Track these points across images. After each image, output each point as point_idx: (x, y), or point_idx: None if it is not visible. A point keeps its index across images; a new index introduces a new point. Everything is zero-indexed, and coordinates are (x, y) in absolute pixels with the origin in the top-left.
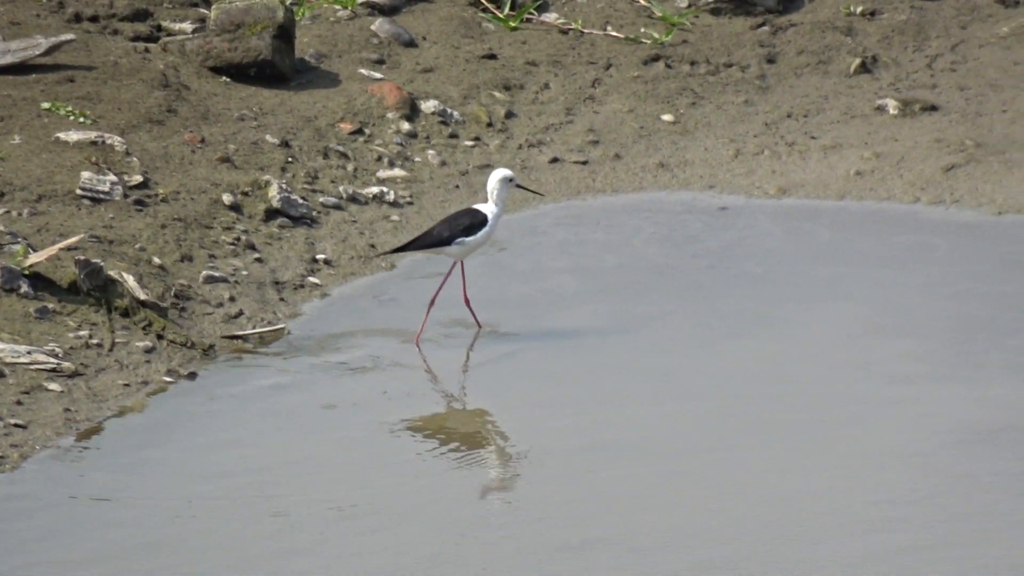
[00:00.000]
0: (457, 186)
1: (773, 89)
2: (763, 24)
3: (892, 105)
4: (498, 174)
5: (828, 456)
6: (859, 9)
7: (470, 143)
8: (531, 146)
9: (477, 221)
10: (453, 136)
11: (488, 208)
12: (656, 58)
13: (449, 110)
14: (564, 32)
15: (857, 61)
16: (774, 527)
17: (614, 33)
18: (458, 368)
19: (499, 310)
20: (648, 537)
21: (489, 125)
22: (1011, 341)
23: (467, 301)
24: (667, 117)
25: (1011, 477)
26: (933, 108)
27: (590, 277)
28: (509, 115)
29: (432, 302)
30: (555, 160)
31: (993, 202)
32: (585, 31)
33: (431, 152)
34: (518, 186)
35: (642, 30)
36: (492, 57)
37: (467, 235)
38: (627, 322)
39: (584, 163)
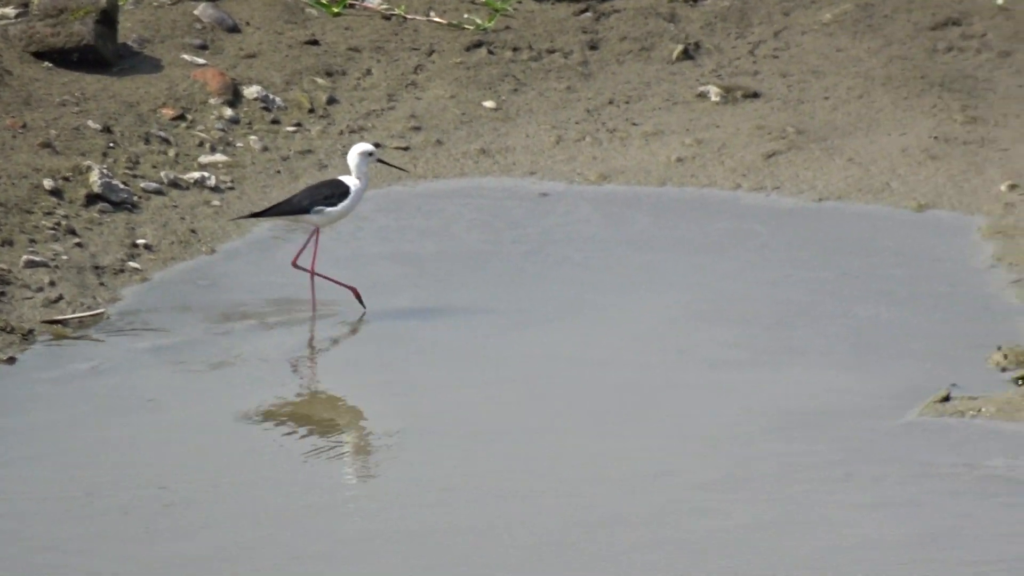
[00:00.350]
0: (279, 171)
1: (595, 76)
2: (586, 10)
3: (714, 92)
4: (357, 148)
5: (648, 441)
6: None
7: (292, 129)
8: (352, 132)
9: (339, 192)
10: (275, 122)
11: (351, 181)
12: (479, 44)
13: (271, 96)
14: (387, 18)
15: (679, 48)
16: (588, 512)
17: (437, 19)
18: (279, 352)
19: (317, 296)
20: (464, 527)
21: (311, 111)
22: (830, 327)
23: (313, 274)
24: (489, 103)
25: (829, 463)
26: (755, 95)
27: (410, 263)
28: (331, 101)
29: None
30: (377, 146)
31: (814, 188)
32: (408, 17)
33: (253, 138)
34: (380, 161)
35: (465, 16)
36: (315, 43)
37: (327, 205)
38: (447, 308)
39: (406, 149)
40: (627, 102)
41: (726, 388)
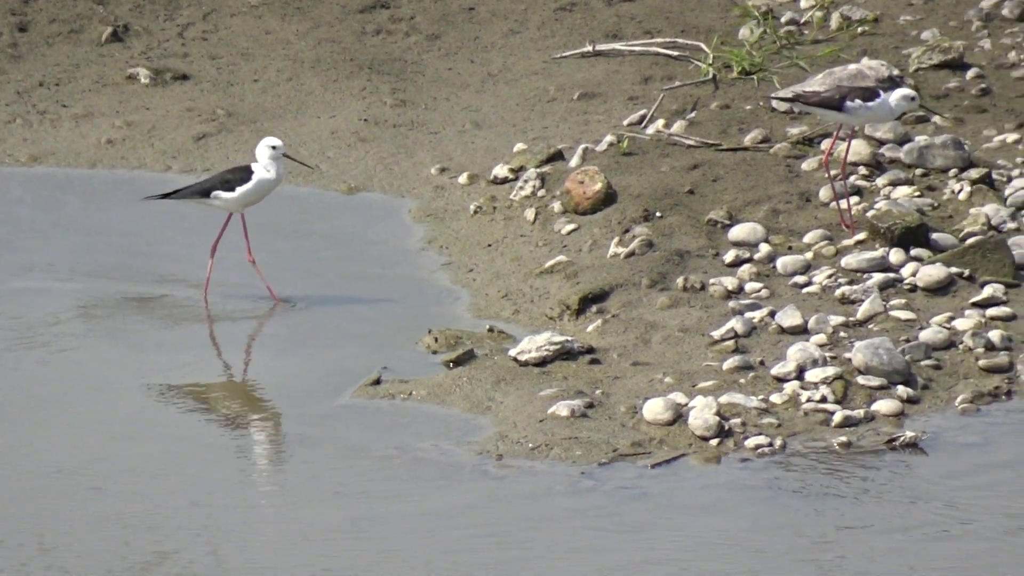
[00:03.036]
0: None
1: (25, 58)
2: None
3: (143, 74)
4: (264, 141)
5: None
6: None
7: None
8: None
9: (239, 179)
10: None
11: (258, 169)
12: None
13: None
14: None
15: (108, 30)
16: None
17: None
18: None
19: None
20: None
21: None
22: (261, 309)
23: (252, 261)
24: None
25: (256, 444)
26: (185, 77)
27: None
28: None
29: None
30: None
31: None
32: None
33: None
34: (285, 155)
35: None
36: None
37: (224, 190)
38: None
39: None
40: (57, 84)
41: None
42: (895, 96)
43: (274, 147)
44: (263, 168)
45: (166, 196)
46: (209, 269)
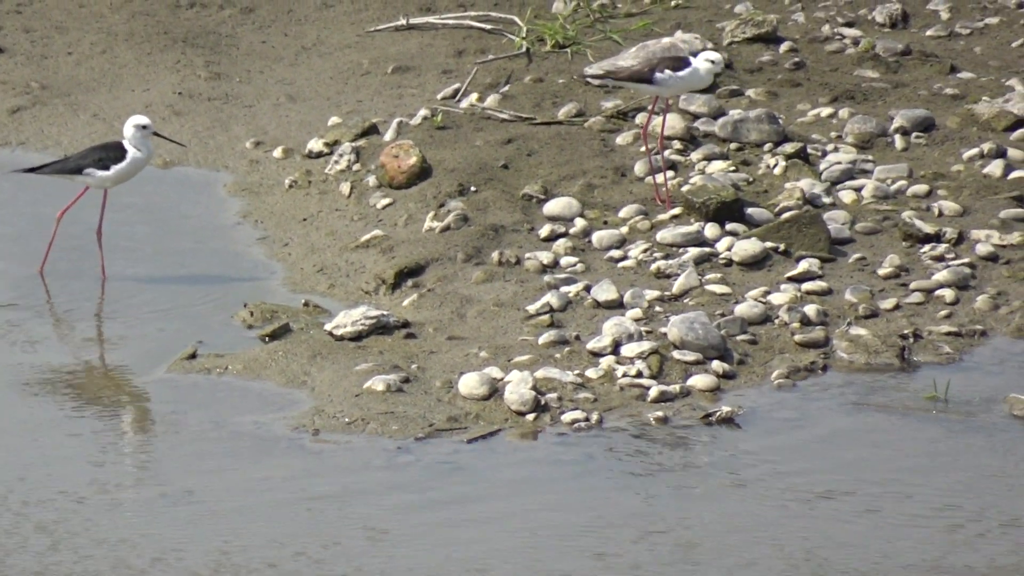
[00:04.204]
0: None
1: None
2: None
3: None
4: (132, 120)
5: None
6: None
7: None
8: None
9: (112, 156)
10: None
11: (130, 149)
12: None
13: None
14: None
15: None
16: None
17: None
18: None
19: None
20: None
21: None
22: (75, 285)
23: (99, 235)
24: None
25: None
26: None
27: None
28: None
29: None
30: None
31: (59, 144)
32: None
33: None
34: (155, 134)
35: None
36: None
37: (98, 168)
38: None
39: None
40: None
41: None
42: (701, 60)
43: (144, 126)
44: (134, 147)
45: (32, 170)
46: (50, 242)
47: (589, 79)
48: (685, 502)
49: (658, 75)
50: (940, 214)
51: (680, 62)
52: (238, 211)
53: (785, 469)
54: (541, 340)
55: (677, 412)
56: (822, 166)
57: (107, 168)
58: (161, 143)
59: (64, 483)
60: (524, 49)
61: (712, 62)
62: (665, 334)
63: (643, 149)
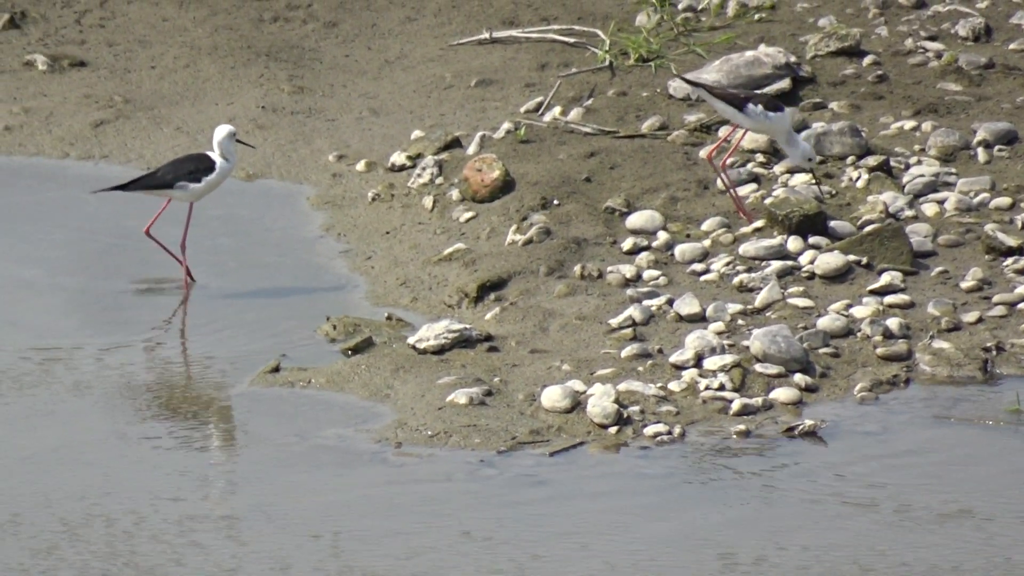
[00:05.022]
0: None
1: None
2: None
3: (41, 61)
4: (222, 130)
5: None
6: None
7: None
8: None
9: (203, 167)
10: None
11: (217, 157)
12: None
13: None
14: None
15: (6, 16)
16: None
17: None
18: None
19: None
20: None
21: None
22: (155, 298)
23: (183, 248)
24: None
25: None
26: (83, 64)
27: None
28: None
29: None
30: None
31: (142, 157)
32: None
33: None
34: (238, 140)
35: None
36: None
37: (191, 180)
38: None
39: None
40: None
41: (51, 359)
42: (802, 137)
43: (233, 134)
44: (222, 157)
45: (120, 188)
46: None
47: (676, 88)
48: (766, 515)
49: (750, 107)
50: (1023, 227)
51: (775, 106)
52: (321, 224)
53: (869, 482)
54: (623, 353)
55: (759, 425)
56: (905, 179)
57: (198, 180)
58: (244, 154)
59: (142, 494)
60: (607, 62)
61: (811, 154)
62: (747, 347)
63: (713, 168)
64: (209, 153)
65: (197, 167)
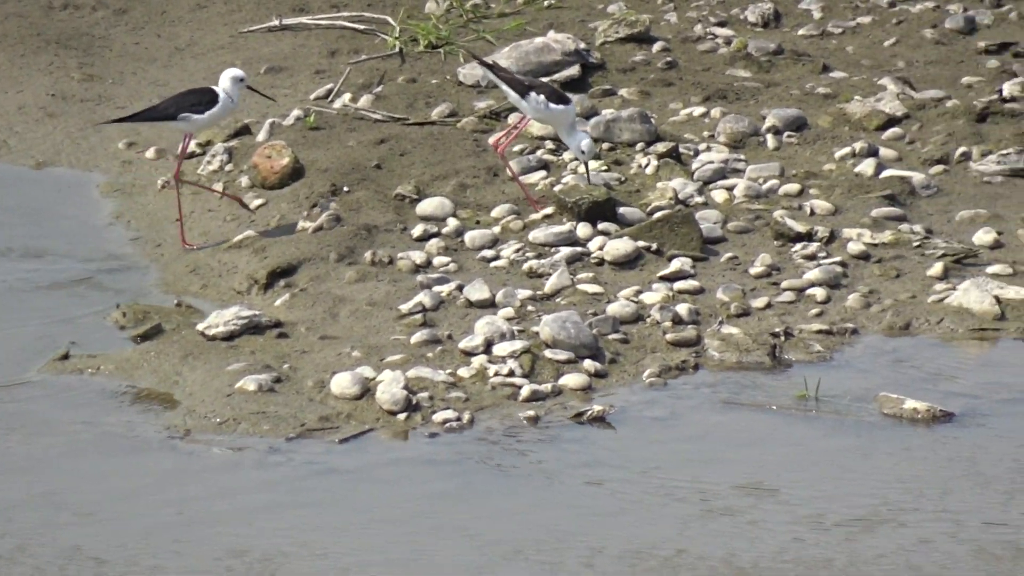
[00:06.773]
0: None
1: None
2: None
3: None
4: (229, 73)
5: None
6: None
7: None
8: None
9: (206, 100)
10: None
11: (221, 92)
12: None
13: None
14: None
15: None
16: None
17: None
18: None
19: None
20: None
21: None
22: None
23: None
24: None
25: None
26: None
27: None
28: None
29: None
30: None
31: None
32: None
33: None
34: (249, 88)
35: None
36: None
37: (194, 112)
38: None
39: None
40: None
41: None
42: (583, 133)
43: (241, 79)
44: (227, 96)
45: (123, 120)
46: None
47: (477, 61)
48: (549, 498)
49: (532, 95)
50: (812, 213)
51: (560, 97)
52: (111, 212)
53: (649, 467)
54: (413, 339)
55: (549, 411)
56: (694, 165)
57: (202, 112)
58: (34, 143)
59: None
60: (397, 49)
61: (586, 147)
62: (537, 333)
63: (502, 159)
64: (214, 87)
65: (201, 99)
